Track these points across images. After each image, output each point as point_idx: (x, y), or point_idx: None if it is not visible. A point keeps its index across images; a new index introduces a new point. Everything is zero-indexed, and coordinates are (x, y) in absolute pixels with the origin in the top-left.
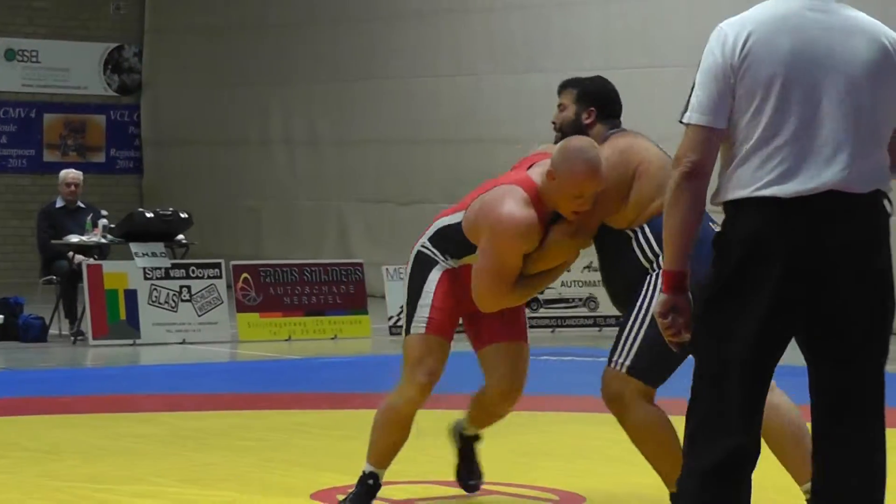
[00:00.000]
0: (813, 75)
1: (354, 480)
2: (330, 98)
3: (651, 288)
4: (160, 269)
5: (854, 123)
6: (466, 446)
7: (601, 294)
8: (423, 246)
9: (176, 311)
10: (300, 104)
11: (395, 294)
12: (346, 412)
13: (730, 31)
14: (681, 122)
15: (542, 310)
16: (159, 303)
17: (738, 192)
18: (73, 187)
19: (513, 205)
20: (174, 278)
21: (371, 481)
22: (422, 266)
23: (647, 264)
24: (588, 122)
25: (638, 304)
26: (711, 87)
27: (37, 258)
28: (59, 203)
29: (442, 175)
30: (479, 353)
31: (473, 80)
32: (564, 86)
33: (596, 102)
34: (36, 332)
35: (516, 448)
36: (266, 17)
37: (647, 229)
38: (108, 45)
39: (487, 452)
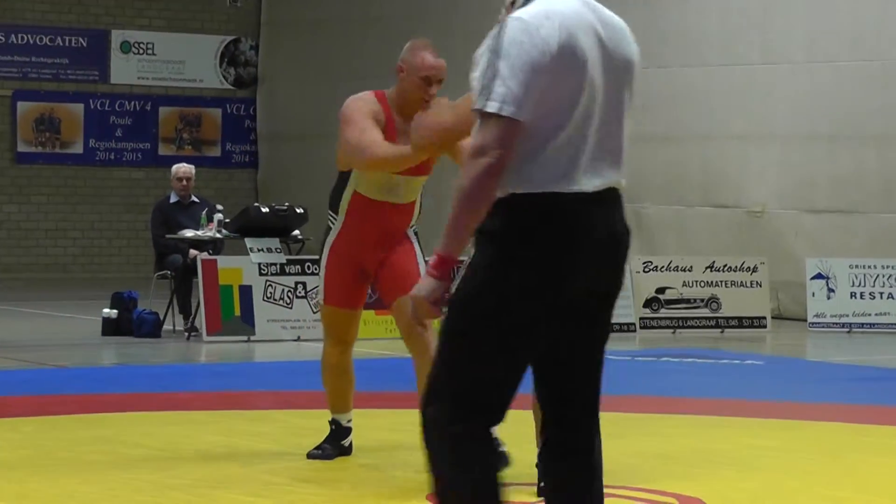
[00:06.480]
0: (605, 75)
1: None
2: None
3: None
4: (275, 264)
5: (624, 122)
6: None
7: (724, 294)
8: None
9: (291, 308)
10: None
11: None
12: None
13: (540, 25)
14: (483, 110)
15: (662, 310)
16: (274, 299)
17: (530, 187)
18: (184, 182)
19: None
20: (289, 274)
21: (334, 426)
22: (322, 240)
23: None
24: None
25: None
26: (526, 80)
27: (150, 252)
28: (173, 198)
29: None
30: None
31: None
32: None
33: None
34: (149, 328)
35: (635, 451)
36: (382, 9)
37: None
38: (223, 38)
39: (605, 455)
